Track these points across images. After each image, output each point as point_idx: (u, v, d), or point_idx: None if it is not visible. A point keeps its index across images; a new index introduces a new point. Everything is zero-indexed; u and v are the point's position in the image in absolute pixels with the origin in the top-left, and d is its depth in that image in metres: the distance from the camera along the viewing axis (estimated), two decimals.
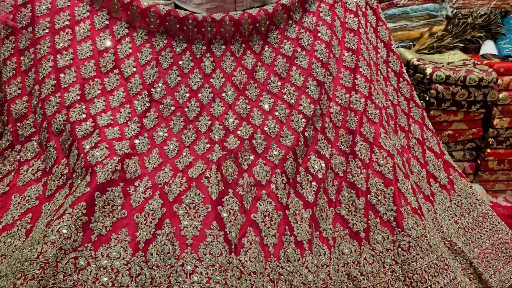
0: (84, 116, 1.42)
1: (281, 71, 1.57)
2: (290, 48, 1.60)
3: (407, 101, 1.82)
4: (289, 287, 1.20)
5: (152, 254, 1.17)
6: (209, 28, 1.53)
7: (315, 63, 1.56)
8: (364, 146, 1.50)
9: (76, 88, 1.45)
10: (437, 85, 1.90)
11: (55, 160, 1.39)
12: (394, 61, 1.84)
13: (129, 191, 1.29)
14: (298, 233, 1.31)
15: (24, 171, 1.41)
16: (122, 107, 1.47)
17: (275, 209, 1.34)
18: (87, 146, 1.35)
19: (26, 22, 1.52)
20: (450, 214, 1.60)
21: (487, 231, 1.58)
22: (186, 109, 1.53)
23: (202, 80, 1.55)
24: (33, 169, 1.41)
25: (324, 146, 1.52)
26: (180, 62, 1.55)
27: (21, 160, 1.44)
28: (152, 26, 1.53)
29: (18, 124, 1.47)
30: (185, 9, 1.66)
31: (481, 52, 2.18)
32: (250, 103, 1.55)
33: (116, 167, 1.30)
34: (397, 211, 1.36)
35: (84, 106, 1.43)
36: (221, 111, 1.54)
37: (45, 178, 1.38)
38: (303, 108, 1.51)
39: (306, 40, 1.60)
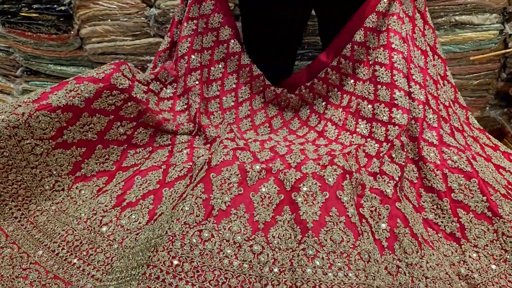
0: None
1: (367, 94, 1.59)
2: (366, 71, 1.63)
3: (452, 102, 1.82)
4: (410, 279, 1.14)
5: (274, 237, 1.16)
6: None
7: (396, 74, 1.55)
8: (430, 149, 1.48)
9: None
10: None
11: (183, 162, 1.52)
12: (439, 64, 1.84)
13: (245, 168, 1.31)
14: (413, 225, 1.26)
15: (147, 161, 1.56)
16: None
17: (381, 203, 1.30)
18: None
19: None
20: None
21: None
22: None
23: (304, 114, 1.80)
24: (155, 159, 1.54)
25: (399, 154, 1.49)
26: (290, 125, 1.79)
27: (150, 159, 1.57)
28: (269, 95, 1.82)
29: (157, 137, 1.65)
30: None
31: None
32: (351, 133, 1.59)
33: (228, 153, 1.37)
34: (488, 201, 1.32)
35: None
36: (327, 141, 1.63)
37: (165, 166, 1.49)
38: (397, 119, 1.50)
39: (382, 55, 1.60)
